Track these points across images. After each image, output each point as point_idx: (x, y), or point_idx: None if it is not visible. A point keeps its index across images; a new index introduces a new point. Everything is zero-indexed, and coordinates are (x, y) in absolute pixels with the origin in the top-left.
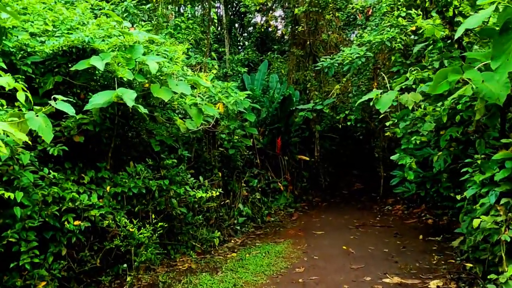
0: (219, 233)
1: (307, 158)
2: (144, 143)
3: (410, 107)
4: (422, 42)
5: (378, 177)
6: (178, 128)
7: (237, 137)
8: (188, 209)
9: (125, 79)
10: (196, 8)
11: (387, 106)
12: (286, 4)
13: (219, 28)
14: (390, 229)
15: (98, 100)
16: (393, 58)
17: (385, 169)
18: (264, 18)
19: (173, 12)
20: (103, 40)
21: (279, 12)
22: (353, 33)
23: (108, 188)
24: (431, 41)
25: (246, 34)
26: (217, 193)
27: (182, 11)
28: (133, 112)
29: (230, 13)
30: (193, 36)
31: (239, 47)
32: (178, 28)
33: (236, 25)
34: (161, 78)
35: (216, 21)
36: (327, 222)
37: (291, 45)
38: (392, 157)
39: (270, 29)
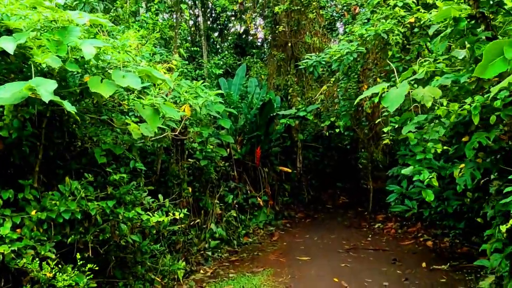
0: (184, 263)
1: (289, 170)
2: (89, 153)
3: (428, 104)
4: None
5: (364, 190)
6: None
7: (211, 146)
8: (145, 236)
9: (43, 65)
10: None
11: (398, 103)
12: (266, 4)
13: (197, 36)
14: (386, 254)
15: (4, 94)
16: (390, 53)
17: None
18: (243, 28)
19: (141, 7)
20: (21, 18)
21: (259, 21)
22: (338, 35)
23: (33, 212)
24: (450, 21)
25: (225, 44)
26: (181, 215)
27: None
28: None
29: (209, 20)
30: (161, 34)
31: (218, 55)
32: (145, 24)
33: (216, 34)
34: (103, 68)
35: (192, 27)
36: (312, 243)
37: (271, 47)
38: (403, 171)
39: (250, 38)
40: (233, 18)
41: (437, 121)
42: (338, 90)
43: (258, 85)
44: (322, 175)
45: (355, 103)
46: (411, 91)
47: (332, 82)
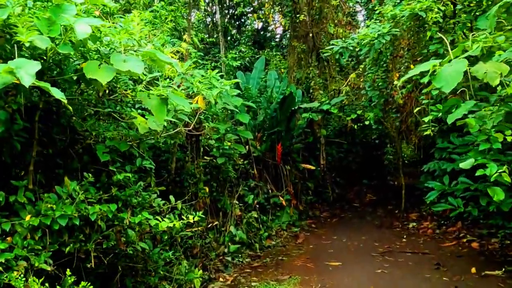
0: (201, 271)
1: (313, 167)
2: (92, 151)
3: (495, 82)
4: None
5: (391, 187)
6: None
7: (228, 143)
8: (156, 242)
9: (26, 44)
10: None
11: (455, 81)
12: None
13: (214, 32)
14: (427, 257)
15: None
16: (428, 34)
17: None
18: (261, 25)
19: None
20: None
21: (277, 17)
22: (363, 22)
23: (27, 217)
24: None
25: (243, 38)
26: (196, 218)
27: None
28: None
29: (226, 17)
30: (175, 25)
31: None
32: (157, 14)
33: (234, 31)
34: (105, 54)
35: (210, 24)
36: (342, 245)
37: (292, 39)
38: (461, 165)
39: (268, 34)
40: (250, 14)
41: (501, 104)
42: (364, 81)
43: (278, 78)
44: (347, 172)
45: (400, 82)
46: (470, 68)
47: (361, 70)
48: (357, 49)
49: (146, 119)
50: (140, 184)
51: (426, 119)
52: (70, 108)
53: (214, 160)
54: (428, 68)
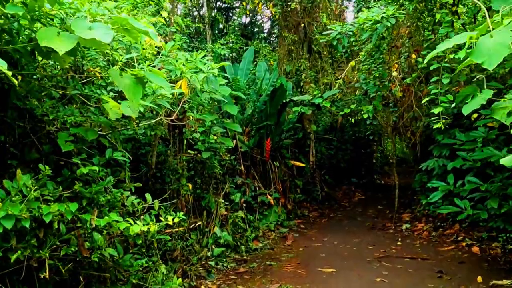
0: (180, 279)
1: (302, 164)
2: (55, 139)
3: None
4: None
5: (379, 186)
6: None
7: (214, 137)
8: (129, 246)
9: None
10: None
11: (500, 56)
12: None
13: (201, 25)
14: (427, 264)
15: None
16: (438, 16)
17: (384, 177)
18: (248, 20)
19: None
20: None
21: (266, 11)
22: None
23: None
24: None
25: (230, 30)
26: (176, 219)
27: None
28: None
29: (213, 11)
30: (158, 8)
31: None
32: None
33: (221, 26)
34: (67, 21)
35: (196, 17)
36: (334, 249)
37: (282, 29)
38: (502, 161)
39: (255, 29)
40: (238, 9)
41: None
42: (359, 73)
43: (267, 70)
44: (336, 169)
45: (426, 60)
46: None
47: (364, 52)
48: (356, 36)
49: (120, 103)
50: (109, 179)
51: (436, 111)
52: (15, 81)
53: (199, 155)
54: (463, 40)
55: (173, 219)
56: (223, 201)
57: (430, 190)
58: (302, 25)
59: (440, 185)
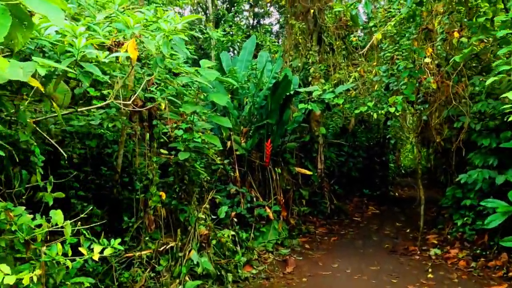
0: None
1: (309, 172)
2: None
3: None
4: None
5: (395, 199)
6: None
7: (198, 134)
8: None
9: None
10: None
11: None
12: None
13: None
14: None
15: None
16: None
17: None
18: (256, 21)
19: None
20: None
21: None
22: None
23: None
24: None
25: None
26: (109, 251)
27: None
28: None
29: (218, 9)
30: None
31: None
32: None
33: (226, 25)
34: None
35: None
36: (346, 281)
37: (289, 16)
38: None
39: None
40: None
41: None
42: (379, 64)
43: (270, 61)
44: (347, 179)
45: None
46: None
47: (389, 27)
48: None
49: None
50: None
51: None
52: None
53: (175, 156)
54: None
55: (111, 245)
56: (203, 216)
57: (464, 208)
58: (312, 12)
59: (500, 205)
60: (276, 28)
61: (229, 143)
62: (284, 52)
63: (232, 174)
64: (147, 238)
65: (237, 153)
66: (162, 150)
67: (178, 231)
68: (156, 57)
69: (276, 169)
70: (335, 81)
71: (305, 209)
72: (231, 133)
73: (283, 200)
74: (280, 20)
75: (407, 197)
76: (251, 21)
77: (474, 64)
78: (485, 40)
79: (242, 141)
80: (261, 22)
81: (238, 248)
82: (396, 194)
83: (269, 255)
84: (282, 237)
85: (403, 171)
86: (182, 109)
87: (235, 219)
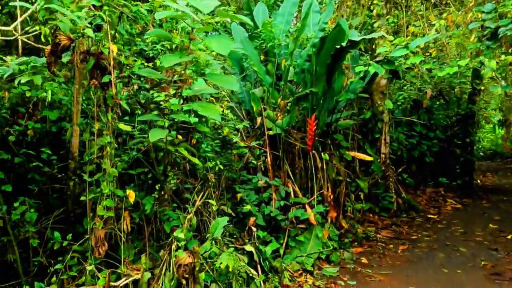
0: None
1: (369, 158)
2: None
3: None
4: None
5: (481, 188)
6: None
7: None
8: None
9: None
10: None
11: None
12: None
13: None
14: None
15: None
16: None
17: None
18: None
19: None
20: None
21: None
22: None
23: None
24: None
25: None
26: None
27: None
28: None
29: None
30: None
31: None
32: None
33: None
34: None
35: None
36: None
37: None
38: None
39: None
40: None
41: None
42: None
43: (319, 11)
44: (418, 165)
45: None
46: None
47: None
48: None
49: None
50: None
51: None
52: None
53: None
54: None
55: None
56: (183, 235)
57: None
58: None
59: None
60: None
61: (259, 120)
62: (339, 3)
63: (255, 162)
64: (90, 268)
65: (270, 133)
66: (121, 125)
67: (143, 257)
68: None
69: (322, 154)
70: (409, 37)
71: (364, 206)
72: (264, 106)
73: (332, 196)
74: None
75: (494, 186)
76: None
77: None
78: None
79: (279, 118)
80: None
81: (258, 271)
82: (479, 181)
83: (307, 277)
84: (328, 248)
85: (481, 153)
86: (160, 62)
87: (261, 223)
